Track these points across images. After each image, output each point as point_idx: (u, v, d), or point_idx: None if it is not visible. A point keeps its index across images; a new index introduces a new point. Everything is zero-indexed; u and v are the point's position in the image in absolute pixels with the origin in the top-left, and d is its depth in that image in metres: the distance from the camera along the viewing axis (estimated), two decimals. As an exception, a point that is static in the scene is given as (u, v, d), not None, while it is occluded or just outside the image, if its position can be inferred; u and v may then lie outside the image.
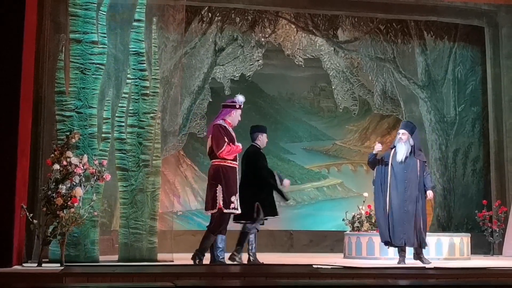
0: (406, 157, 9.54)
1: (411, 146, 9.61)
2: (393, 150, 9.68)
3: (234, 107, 8.88)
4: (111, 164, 9.15)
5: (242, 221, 9.30)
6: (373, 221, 11.17)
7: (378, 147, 9.67)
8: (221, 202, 8.46)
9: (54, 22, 9.55)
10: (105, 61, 9.20)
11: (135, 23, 9.49)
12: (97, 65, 9.09)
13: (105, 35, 9.21)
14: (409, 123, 10.11)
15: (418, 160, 9.62)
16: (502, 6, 13.73)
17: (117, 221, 9.76)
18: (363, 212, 11.33)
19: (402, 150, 9.56)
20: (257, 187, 9.27)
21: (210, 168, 8.69)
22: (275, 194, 9.44)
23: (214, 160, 8.63)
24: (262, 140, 9.57)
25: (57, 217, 7.99)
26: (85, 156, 8.45)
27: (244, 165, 9.40)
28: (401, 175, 9.54)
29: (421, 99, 14.65)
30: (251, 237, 9.31)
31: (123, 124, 9.38)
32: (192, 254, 8.68)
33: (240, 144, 8.77)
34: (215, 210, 8.51)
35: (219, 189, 8.46)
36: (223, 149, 8.51)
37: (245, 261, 9.28)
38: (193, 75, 13.72)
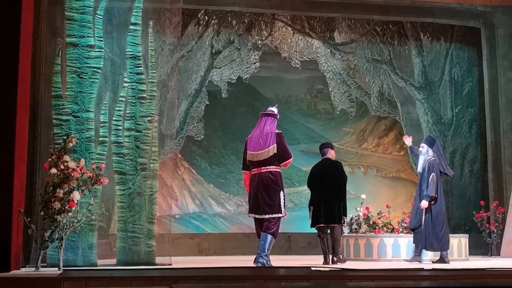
0: (423, 168, 10.25)
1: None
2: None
3: (276, 116, 9.11)
4: (108, 168, 9.14)
5: (331, 224, 9.93)
6: (371, 223, 11.18)
7: (408, 141, 10.71)
8: (284, 207, 8.83)
9: (50, 26, 9.55)
10: (102, 65, 9.20)
11: (131, 27, 9.49)
12: (94, 69, 9.09)
13: (102, 39, 9.22)
14: (428, 137, 10.89)
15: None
16: (498, 7, 13.76)
17: (115, 225, 9.75)
18: (361, 214, 11.33)
19: (420, 162, 10.36)
20: (342, 195, 10.01)
21: (269, 174, 8.82)
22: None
23: (274, 167, 8.86)
24: (333, 154, 10.41)
25: (54, 221, 7.98)
26: (83, 160, 8.44)
27: (326, 174, 10.07)
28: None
29: (418, 100, 14.67)
30: (339, 240, 10.03)
31: (120, 127, 9.37)
32: (255, 258, 8.75)
33: None
34: (281, 215, 8.81)
35: (282, 194, 8.83)
36: (292, 158, 9.01)
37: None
38: (190, 78, 13.72)
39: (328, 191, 9.95)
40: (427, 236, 10.01)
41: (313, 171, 10.30)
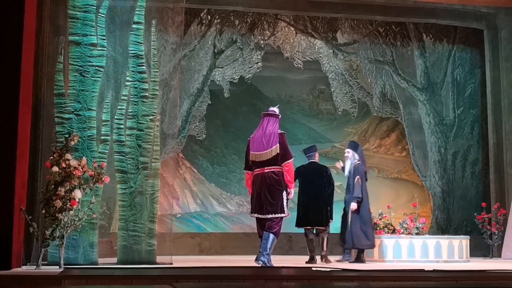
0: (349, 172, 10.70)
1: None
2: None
3: (278, 117, 9.16)
4: (110, 167, 9.13)
5: (318, 227, 10.36)
6: (372, 223, 11.17)
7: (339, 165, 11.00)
8: (286, 207, 8.91)
9: (53, 25, 9.55)
10: (104, 64, 9.19)
11: (134, 26, 9.49)
12: (96, 68, 9.09)
13: (104, 38, 9.21)
14: (351, 142, 11.43)
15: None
16: (501, 8, 13.75)
17: (116, 224, 9.75)
18: (362, 214, 11.30)
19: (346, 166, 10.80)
20: (329, 197, 10.37)
21: (272, 174, 8.87)
22: None
23: (277, 167, 8.89)
24: (318, 157, 10.80)
25: (56, 219, 7.98)
26: (84, 158, 8.44)
27: (315, 177, 10.40)
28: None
29: (420, 101, 14.67)
30: (325, 240, 10.40)
31: (122, 126, 9.36)
32: (256, 257, 8.86)
33: None
34: (284, 214, 8.88)
35: (285, 194, 8.88)
36: (292, 159, 9.02)
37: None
38: (192, 78, 13.73)
39: (317, 194, 10.27)
40: (356, 234, 10.38)
41: (300, 171, 10.36)
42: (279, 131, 8.99)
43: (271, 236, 8.75)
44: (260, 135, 8.97)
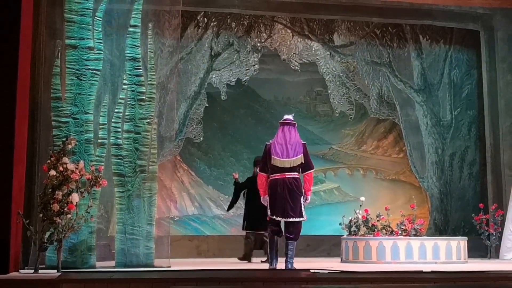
0: None
1: None
2: None
3: (295, 125, 9.29)
4: (107, 170, 9.14)
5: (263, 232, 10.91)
6: (370, 225, 11.19)
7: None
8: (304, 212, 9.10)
9: (50, 28, 9.55)
10: (101, 67, 9.20)
11: (130, 29, 9.50)
12: (93, 71, 9.09)
13: (101, 41, 9.22)
14: None
15: None
16: (497, 9, 13.76)
17: (114, 227, 9.75)
18: (360, 216, 11.32)
19: None
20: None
21: (294, 180, 9.03)
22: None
23: (297, 173, 9.10)
24: None
25: (53, 223, 7.98)
26: (82, 162, 8.44)
27: (255, 185, 10.31)
28: None
29: (417, 103, 14.68)
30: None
31: (119, 129, 9.37)
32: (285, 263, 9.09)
33: None
34: (303, 219, 9.07)
35: (302, 200, 9.06)
36: (313, 169, 9.25)
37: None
38: (189, 80, 13.73)
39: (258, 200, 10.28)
40: None
41: (251, 180, 10.93)
42: (302, 141, 9.18)
43: (295, 243, 9.07)
44: (283, 143, 9.10)
